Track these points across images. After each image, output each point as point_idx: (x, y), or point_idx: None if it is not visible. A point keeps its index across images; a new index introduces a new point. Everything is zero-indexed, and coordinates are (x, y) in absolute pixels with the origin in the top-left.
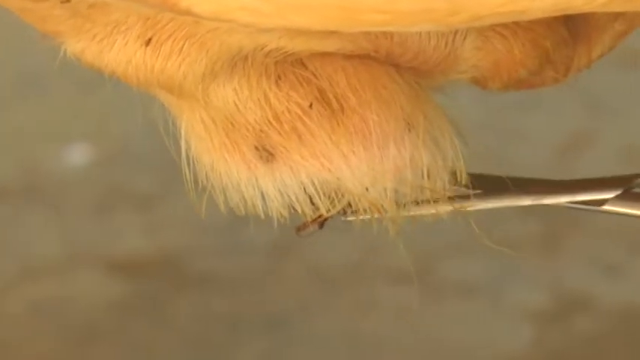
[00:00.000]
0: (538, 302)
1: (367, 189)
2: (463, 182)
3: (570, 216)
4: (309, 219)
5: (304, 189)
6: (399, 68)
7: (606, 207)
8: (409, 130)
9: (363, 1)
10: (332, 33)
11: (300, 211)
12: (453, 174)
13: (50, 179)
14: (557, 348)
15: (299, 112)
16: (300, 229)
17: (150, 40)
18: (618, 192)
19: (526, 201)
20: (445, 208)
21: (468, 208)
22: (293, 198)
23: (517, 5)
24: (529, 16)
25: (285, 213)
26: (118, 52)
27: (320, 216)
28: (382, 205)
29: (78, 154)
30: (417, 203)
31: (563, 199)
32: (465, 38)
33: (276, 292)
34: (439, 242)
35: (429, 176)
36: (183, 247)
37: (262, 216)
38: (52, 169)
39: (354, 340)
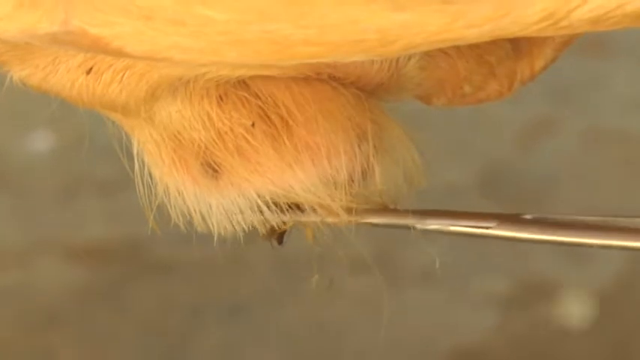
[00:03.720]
0: (501, 289)
1: (320, 201)
2: (420, 186)
3: (534, 201)
4: (264, 232)
5: (252, 205)
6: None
7: (490, 231)
8: (359, 139)
9: (293, 34)
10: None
11: (246, 226)
12: (409, 180)
13: (12, 166)
14: (521, 335)
15: (242, 131)
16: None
17: (91, 69)
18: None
19: (410, 221)
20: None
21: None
22: (239, 214)
23: (452, 33)
24: (465, 42)
25: (232, 228)
26: (62, 78)
27: (277, 230)
28: (336, 215)
29: (40, 141)
30: (371, 211)
31: (446, 223)
32: (409, 59)
33: (238, 280)
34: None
35: (384, 183)
36: (145, 234)
37: (213, 232)
38: (15, 155)
39: (316, 328)
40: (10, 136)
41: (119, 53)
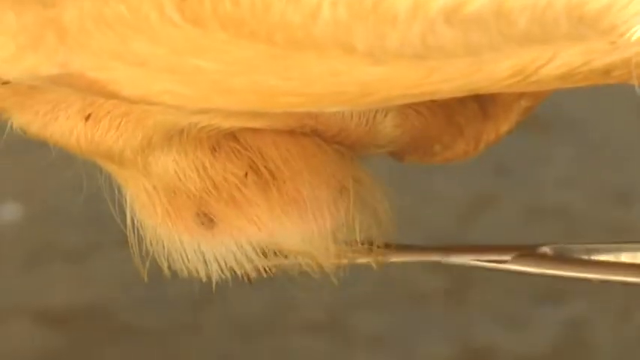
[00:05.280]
0: (444, 353)
1: (305, 249)
2: (390, 236)
3: (473, 273)
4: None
5: (244, 251)
6: (324, 141)
7: (507, 265)
8: (340, 194)
9: (278, 85)
10: (259, 113)
11: (240, 271)
12: (382, 229)
13: None
14: None
15: (236, 181)
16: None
17: (89, 115)
18: (518, 253)
19: (435, 257)
20: (364, 259)
21: (387, 259)
22: (233, 260)
23: (427, 87)
24: (439, 97)
25: (223, 273)
26: (61, 126)
27: (261, 273)
28: (319, 262)
29: (9, 212)
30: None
31: (468, 258)
32: (385, 116)
33: (198, 342)
34: (350, 294)
35: (361, 234)
36: (109, 299)
37: (203, 278)
38: None
39: None
40: None
41: (115, 96)
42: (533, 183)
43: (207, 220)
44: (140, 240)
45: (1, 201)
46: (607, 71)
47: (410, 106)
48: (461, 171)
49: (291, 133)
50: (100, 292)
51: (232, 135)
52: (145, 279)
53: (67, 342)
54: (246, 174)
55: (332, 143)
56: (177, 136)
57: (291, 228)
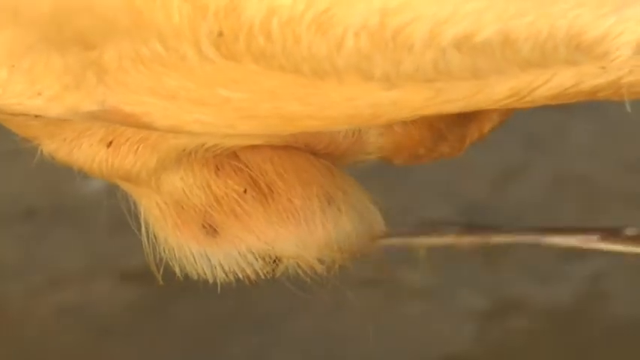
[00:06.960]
0: (479, 304)
1: (299, 255)
2: (382, 237)
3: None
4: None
5: (245, 258)
6: (315, 154)
7: (598, 245)
8: (329, 204)
9: (299, 110)
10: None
11: (242, 274)
12: (372, 233)
13: (74, 202)
14: (495, 344)
15: (236, 196)
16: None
17: (111, 142)
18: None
19: (531, 238)
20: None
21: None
22: (235, 265)
23: (431, 108)
24: (440, 115)
25: (227, 277)
26: (85, 152)
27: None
28: (312, 266)
29: (96, 184)
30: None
31: (561, 239)
32: (369, 127)
33: (261, 296)
34: (398, 252)
35: (353, 238)
36: None
37: (210, 281)
38: (76, 193)
39: (326, 336)
40: (72, 178)
41: (148, 127)
42: (557, 154)
43: (211, 230)
44: (154, 247)
45: None
46: (593, 92)
47: None
48: (491, 143)
49: (285, 148)
50: None
51: (233, 153)
52: (160, 282)
53: (148, 296)
54: (245, 190)
55: (323, 155)
56: (185, 158)
57: (287, 236)
